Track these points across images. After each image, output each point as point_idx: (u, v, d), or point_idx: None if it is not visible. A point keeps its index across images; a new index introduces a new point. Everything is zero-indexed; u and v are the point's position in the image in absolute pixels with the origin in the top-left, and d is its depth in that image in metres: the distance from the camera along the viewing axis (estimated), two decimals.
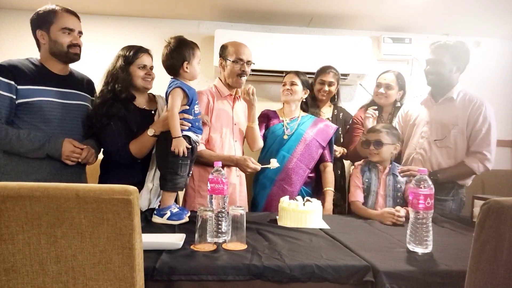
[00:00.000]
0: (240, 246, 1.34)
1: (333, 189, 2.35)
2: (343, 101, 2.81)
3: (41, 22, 1.83)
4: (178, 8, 3.07)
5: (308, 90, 2.42)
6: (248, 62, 2.16)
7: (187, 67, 1.76)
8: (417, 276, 1.17)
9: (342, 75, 2.91)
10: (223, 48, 2.21)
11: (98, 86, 1.95)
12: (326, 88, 2.54)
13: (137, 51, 1.93)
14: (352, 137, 2.54)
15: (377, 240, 1.52)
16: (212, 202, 1.50)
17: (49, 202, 0.94)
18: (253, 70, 2.86)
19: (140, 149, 1.85)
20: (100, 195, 0.94)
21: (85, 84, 2.02)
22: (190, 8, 3.07)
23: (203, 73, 3.06)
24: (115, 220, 0.95)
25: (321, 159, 2.36)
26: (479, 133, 2.09)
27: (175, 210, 1.71)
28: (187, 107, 1.75)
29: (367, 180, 2.04)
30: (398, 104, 2.58)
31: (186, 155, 1.72)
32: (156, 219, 1.70)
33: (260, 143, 2.28)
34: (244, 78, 2.17)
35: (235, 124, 2.22)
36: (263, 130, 2.39)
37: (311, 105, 2.56)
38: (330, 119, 2.59)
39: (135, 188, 0.97)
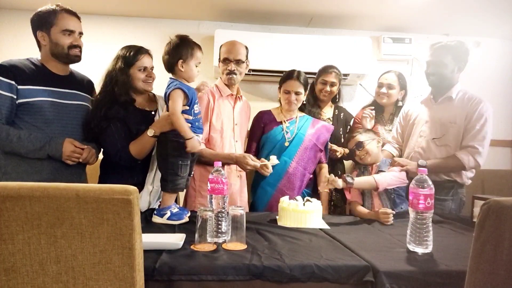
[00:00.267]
0: (240, 246, 1.34)
1: (328, 190, 2.34)
2: (343, 101, 2.80)
3: (42, 23, 1.82)
4: (178, 8, 3.07)
5: (307, 91, 2.40)
6: (238, 61, 2.15)
7: (182, 66, 1.74)
8: (417, 276, 1.17)
9: (343, 75, 2.90)
10: (219, 49, 2.26)
11: (97, 88, 1.94)
12: (328, 88, 2.52)
13: (137, 52, 1.90)
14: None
15: (377, 240, 1.52)
16: (212, 202, 1.50)
17: (49, 202, 0.94)
18: (253, 70, 2.88)
19: (140, 150, 1.84)
20: (100, 195, 0.94)
21: (85, 85, 2.02)
22: (190, 8, 3.07)
23: (203, 73, 3.05)
24: (115, 220, 0.95)
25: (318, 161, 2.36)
26: (472, 129, 2.10)
27: (175, 210, 1.71)
28: (187, 108, 1.75)
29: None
30: (400, 103, 2.58)
31: (185, 155, 1.72)
32: (156, 219, 1.70)
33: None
34: (235, 77, 2.17)
35: (236, 124, 2.22)
36: (258, 135, 2.34)
37: (312, 105, 2.54)
38: (331, 119, 2.58)
39: (135, 188, 0.97)
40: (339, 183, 1.84)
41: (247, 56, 2.23)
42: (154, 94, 2.08)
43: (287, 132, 2.29)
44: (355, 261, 1.24)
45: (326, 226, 1.71)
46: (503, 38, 3.54)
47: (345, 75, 3.11)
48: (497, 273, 0.92)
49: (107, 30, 3.22)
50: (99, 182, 1.98)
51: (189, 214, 1.74)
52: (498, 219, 0.92)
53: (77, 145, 1.82)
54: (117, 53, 1.92)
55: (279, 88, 2.34)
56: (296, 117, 2.34)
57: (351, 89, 3.47)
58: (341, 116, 2.62)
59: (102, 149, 1.98)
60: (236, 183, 2.20)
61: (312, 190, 2.38)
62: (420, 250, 1.35)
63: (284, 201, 1.78)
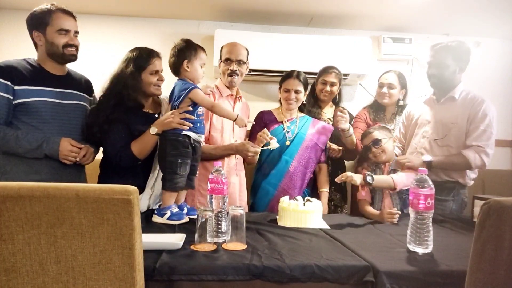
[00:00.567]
0: (240, 246, 1.34)
1: (328, 190, 2.35)
2: (343, 101, 2.80)
3: (37, 23, 1.82)
4: (178, 8, 3.07)
5: (307, 91, 2.41)
6: (240, 62, 2.16)
7: (187, 66, 1.77)
8: (418, 276, 1.17)
9: (343, 75, 2.91)
10: (220, 50, 2.27)
11: (100, 89, 1.90)
12: (328, 88, 2.53)
13: (149, 55, 1.87)
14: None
15: (377, 240, 1.52)
16: (212, 202, 1.50)
17: (49, 202, 0.94)
18: (253, 70, 2.87)
19: (141, 148, 1.82)
20: (100, 195, 0.94)
21: (83, 84, 2.02)
22: (190, 8, 3.06)
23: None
24: (115, 220, 0.95)
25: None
26: (477, 129, 2.09)
27: (175, 210, 1.71)
28: (190, 108, 1.75)
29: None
30: (401, 102, 2.58)
31: (185, 154, 1.72)
32: (156, 218, 1.70)
33: (256, 159, 2.27)
34: (236, 78, 2.18)
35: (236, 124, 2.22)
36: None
37: (312, 105, 2.55)
38: (331, 119, 2.58)
39: (135, 188, 0.97)
40: (357, 179, 1.84)
41: (247, 58, 2.25)
42: (158, 96, 2.06)
43: (288, 132, 2.30)
44: (355, 261, 1.24)
45: (326, 226, 1.71)
46: (503, 38, 3.53)
47: (345, 75, 3.11)
48: (497, 273, 0.92)
49: (107, 30, 3.22)
50: (99, 182, 1.98)
51: (193, 216, 1.73)
52: (498, 219, 0.92)
53: (74, 144, 1.82)
54: (126, 55, 1.88)
55: (280, 88, 2.36)
56: (297, 117, 2.36)
57: (351, 89, 3.47)
58: (335, 109, 2.61)
59: (102, 148, 1.97)
60: (235, 182, 2.20)
61: (312, 189, 2.38)
62: (420, 250, 1.35)
63: (284, 201, 1.78)
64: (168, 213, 1.69)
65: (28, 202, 0.93)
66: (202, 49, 1.83)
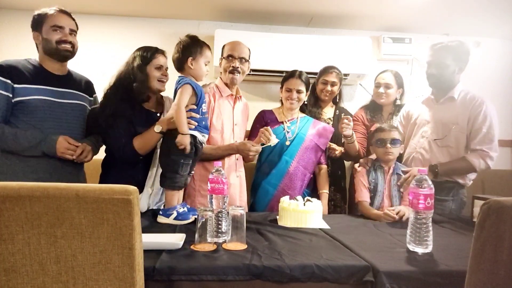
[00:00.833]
0: (240, 246, 1.34)
1: (328, 191, 2.35)
2: (343, 101, 2.81)
3: (35, 24, 1.87)
4: (178, 8, 3.07)
5: (308, 91, 2.41)
6: (242, 59, 2.16)
7: (191, 63, 1.77)
8: (417, 276, 1.17)
9: (343, 75, 2.91)
10: (222, 48, 2.24)
11: (107, 84, 1.92)
12: (329, 88, 2.53)
13: (154, 51, 1.92)
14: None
15: (377, 240, 1.52)
16: (212, 202, 1.50)
17: (49, 202, 0.94)
18: (253, 70, 2.88)
19: (143, 144, 1.83)
20: (100, 195, 0.94)
21: (83, 85, 2.03)
22: (190, 8, 3.07)
23: None
24: (115, 220, 0.95)
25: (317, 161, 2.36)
26: (480, 131, 2.08)
27: (181, 210, 1.71)
28: (195, 107, 1.75)
29: (373, 180, 2.03)
30: (398, 102, 2.58)
31: (188, 154, 1.72)
32: (162, 219, 1.69)
33: (255, 157, 2.27)
34: (237, 76, 2.17)
35: (235, 125, 2.21)
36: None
37: (313, 105, 2.55)
38: (332, 119, 2.58)
39: (135, 188, 0.97)
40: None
41: (249, 57, 2.24)
42: (161, 95, 2.08)
43: (288, 132, 2.30)
44: (355, 261, 1.23)
45: (326, 226, 1.71)
46: (503, 38, 3.54)
47: (345, 75, 3.11)
48: (497, 273, 0.92)
49: (107, 30, 3.22)
50: (100, 181, 1.98)
51: (195, 215, 1.73)
52: (498, 219, 0.92)
53: (71, 142, 1.83)
54: (133, 53, 1.93)
55: (281, 87, 2.36)
56: (297, 118, 2.36)
57: (351, 89, 3.47)
58: (342, 116, 2.62)
59: (105, 146, 1.98)
60: (235, 182, 2.20)
61: (312, 190, 2.38)
62: (420, 250, 1.35)
63: (285, 201, 1.78)
64: (175, 213, 1.69)
65: (28, 202, 0.93)
66: (208, 46, 1.84)
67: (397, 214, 1.84)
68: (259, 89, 3.39)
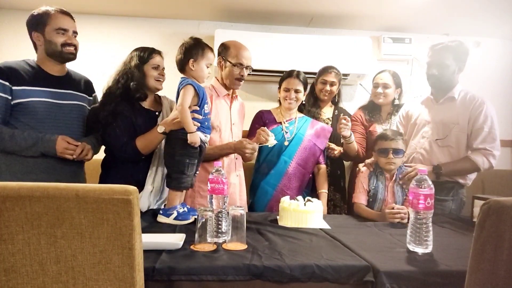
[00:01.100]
0: (240, 246, 1.34)
1: (327, 191, 2.35)
2: (343, 101, 2.81)
3: (36, 24, 1.85)
4: (178, 8, 3.07)
5: (306, 91, 2.41)
6: (247, 67, 2.16)
7: (193, 65, 1.78)
8: (417, 276, 1.17)
9: (343, 75, 2.91)
10: (224, 48, 2.18)
11: (106, 83, 1.94)
12: (328, 88, 2.53)
13: (151, 51, 1.94)
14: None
15: (377, 240, 1.52)
16: (212, 202, 1.50)
17: (49, 202, 0.94)
18: (253, 70, 2.87)
19: (146, 144, 1.84)
20: (100, 195, 0.94)
21: (83, 85, 2.02)
22: (190, 8, 3.06)
23: None
24: (115, 220, 0.95)
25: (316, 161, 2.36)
26: (481, 131, 2.09)
27: (182, 210, 1.71)
28: (197, 108, 1.75)
29: (373, 187, 2.00)
30: (397, 102, 2.58)
31: (193, 154, 1.72)
32: (162, 218, 1.69)
33: (254, 156, 2.27)
34: (242, 82, 2.18)
35: (233, 124, 2.21)
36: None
37: (312, 105, 2.55)
38: (331, 119, 2.58)
39: (135, 188, 0.97)
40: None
41: None
42: (159, 95, 2.09)
43: (286, 132, 2.30)
44: (355, 261, 1.23)
45: (326, 226, 1.71)
46: (503, 38, 3.54)
47: (346, 75, 3.11)
48: (497, 273, 0.92)
49: (107, 30, 3.22)
50: (100, 181, 1.98)
51: (195, 216, 1.73)
52: (498, 219, 0.92)
53: (70, 142, 1.83)
54: (130, 53, 1.95)
55: (279, 87, 2.36)
56: (295, 118, 2.35)
57: (351, 89, 3.47)
58: (341, 116, 2.62)
59: (105, 146, 1.98)
60: (235, 182, 2.20)
61: (311, 190, 2.38)
62: (420, 250, 1.35)
63: (285, 201, 1.78)
64: (175, 213, 1.69)
65: (28, 202, 0.93)
66: (210, 49, 1.85)
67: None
68: (259, 89, 3.39)
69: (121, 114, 1.86)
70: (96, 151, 1.97)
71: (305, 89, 2.33)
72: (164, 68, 1.98)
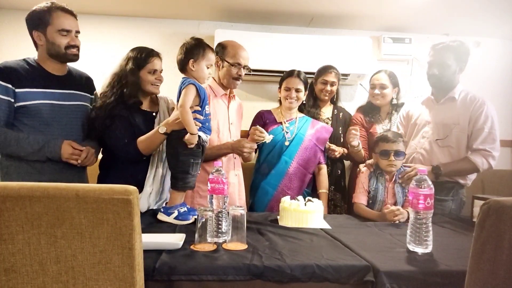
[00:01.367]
0: (241, 246, 1.34)
1: (327, 191, 2.35)
2: (343, 101, 2.81)
3: (37, 23, 1.80)
4: (178, 8, 3.07)
5: (307, 91, 2.41)
6: (245, 67, 2.16)
7: (193, 65, 1.77)
8: (417, 276, 1.17)
9: (343, 75, 2.91)
10: (222, 47, 2.18)
11: (101, 87, 1.92)
12: (329, 88, 2.53)
13: (148, 54, 1.90)
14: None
15: (377, 240, 1.52)
16: (212, 202, 1.50)
17: (49, 202, 0.94)
18: (253, 70, 2.88)
19: (148, 145, 1.83)
20: (100, 195, 0.94)
21: (84, 83, 2.01)
22: (190, 8, 3.06)
23: None
24: (115, 220, 0.95)
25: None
26: (481, 132, 2.09)
27: (183, 210, 1.71)
28: (199, 108, 1.75)
29: (373, 188, 2.00)
30: (395, 101, 2.58)
31: (197, 154, 1.72)
32: (162, 217, 1.69)
33: (252, 156, 2.27)
34: (239, 82, 2.18)
35: (231, 124, 2.21)
36: None
37: (312, 105, 2.55)
38: (330, 119, 2.58)
39: (135, 188, 0.98)
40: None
41: None
42: (156, 96, 2.07)
43: (287, 132, 2.30)
44: (355, 261, 1.24)
45: (327, 226, 1.71)
46: (503, 38, 3.54)
47: (346, 75, 3.11)
48: (497, 273, 0.92)
49: (107, 30, 3.22)
50: (99, 182, 1.98)
51: (196, 216, 1.73)
52: (498, 219, 0.92)
53: (75, 147, 1.82)
54: (127, 54, 1.91)
55: (280, 87, 2.36)
56: (296, 118, 2.35)
57: (351, 89, 3.47)
58: (340, 116, 2.62)
59: (104, 147, 1.97)
60: (234, 182, 2.20)
61: (311, 190, 2.38)
62: (420, 250, 1.35)
63: (286, 201, 1.78)
64: (176, 213, 1.69)
65: (28, 202, 0.93)
66: (211, 49, 1.84)
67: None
68: (259, 89, 3.39)
69: (118, 116, 1.85)
70: (97, 155, 1.97)
71: (305, 88, 2.33)
72: (162, 70, 1.96)
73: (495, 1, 2.73)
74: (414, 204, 1.37)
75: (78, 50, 1.88)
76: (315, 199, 1.81)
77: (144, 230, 1.23)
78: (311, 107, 2.54)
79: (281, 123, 2.33)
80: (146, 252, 1.08)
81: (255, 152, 2.29)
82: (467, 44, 2.19)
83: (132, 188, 0.96)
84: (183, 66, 1.81)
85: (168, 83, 2.02)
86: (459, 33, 3.30)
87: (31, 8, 1.84)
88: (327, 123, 2.53)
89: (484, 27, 3.27)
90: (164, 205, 1.94)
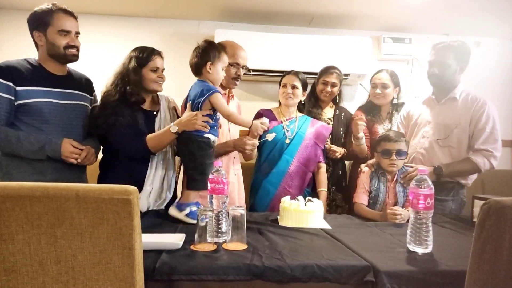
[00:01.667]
0: (241, 246, 1.34)
1: (326, 190, 2.35)
2: (344, 101, 2.81)
3: (38, 23, 1.82)
4: (178, 8, 3.07)
5: (306, 91, 2.41)
6: (244, 67, 2.17)
7: (210, 68, 1.78)
8: (418, 276, 1.17)
9: (343, 75, 2.91)
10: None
11: (104, 86, 1.92)
12: (329, 89, 2.52)
13: (150, 53, 1.91)
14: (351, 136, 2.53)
15: (377, 240, 1.52)
16: (212, 202, 1.50)
17: (49, 202, 0.94)
18: (253, 70, 2.88)
19: (157, 143, 1.82)
20: (100, 195, 0.94)
21: (84, 84, 2.02)
22: (190, 8, 3.06)
23: None
24: (115, 220, 0.95)
25: None
26: (483, 132, 2.09)
27: (195, 209, 1.70)
28: (212, 112, 1.76)
29: (375, 188, 2.00)
30: (395, 101, 2.57)
31: (210, 154, 1.75)
32: (173, 211, 1.70)
33: (254, 154, 2.28)
34: (238, 82, 2.19)
35: (230, 123, 2.22)
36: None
37: (312, 105, 2.55)
38: (332, 119, 2.58)
39: (135, 188, 0.98)
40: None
41: None
42: (157, 95, 2.07)
43: (287, 131, 2.31)
44: (356, 261, 1.24)
45: (327, 226, 1.71)
46: (503, 38, 3.54)
47: (346, 75, 3.11)
48: (497, 273, 0.92)
49: (107, 30, 3.22)
50: (98, 182, 1.97)
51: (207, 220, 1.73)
52: (498, 219, 0.92)
53: (76, 145, 1.82)
54: (129, 53, 1.92)
55: (279, 88, 2.37)
56: (296, 117, 2.36)
57: (352, 89, 3.47)
58: (342, 116, 2.62)
59: (105, 147, 1.97)
60: (233, 181, 2.20)
61: (312, 189, 2.38)
62: (420, 250, 1.35)
63: (286, 201, 1.78)
64: (187, 210, 1.69)
65: (28, 202, 0.93)
66: (225, 51, 1.85)
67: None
68: (259, 89, 3.39)
69: (122, 114, 1.86)
70: (97, 155, 1.97)
71: (304, 88, 2.33)
72: (163, 69, 1.96)
73: (495, 1, 2.73)
74: (414, 204, 1.37)
75: (78, 50, 1.89)
76: (315, 199, 1.81)
77: (144, 230, 1.23)
78: (312, 107, 2.54)
79: (281, 121, 2.34)
80: (146, 252, 1.08)
81: (257, 150, 2.30)
82: (468, 44, 2.19)
83: (132, 188, 0.96)
84: (199, 69, 1.80)
85: (168, 83, 2.02)
86: (459, 33, 3.31)
87: (31, 8, 1.85)
88: (328, 123, 2.53)
89: (484, 27, 3.27)
90: (164, 205, 1.94)
